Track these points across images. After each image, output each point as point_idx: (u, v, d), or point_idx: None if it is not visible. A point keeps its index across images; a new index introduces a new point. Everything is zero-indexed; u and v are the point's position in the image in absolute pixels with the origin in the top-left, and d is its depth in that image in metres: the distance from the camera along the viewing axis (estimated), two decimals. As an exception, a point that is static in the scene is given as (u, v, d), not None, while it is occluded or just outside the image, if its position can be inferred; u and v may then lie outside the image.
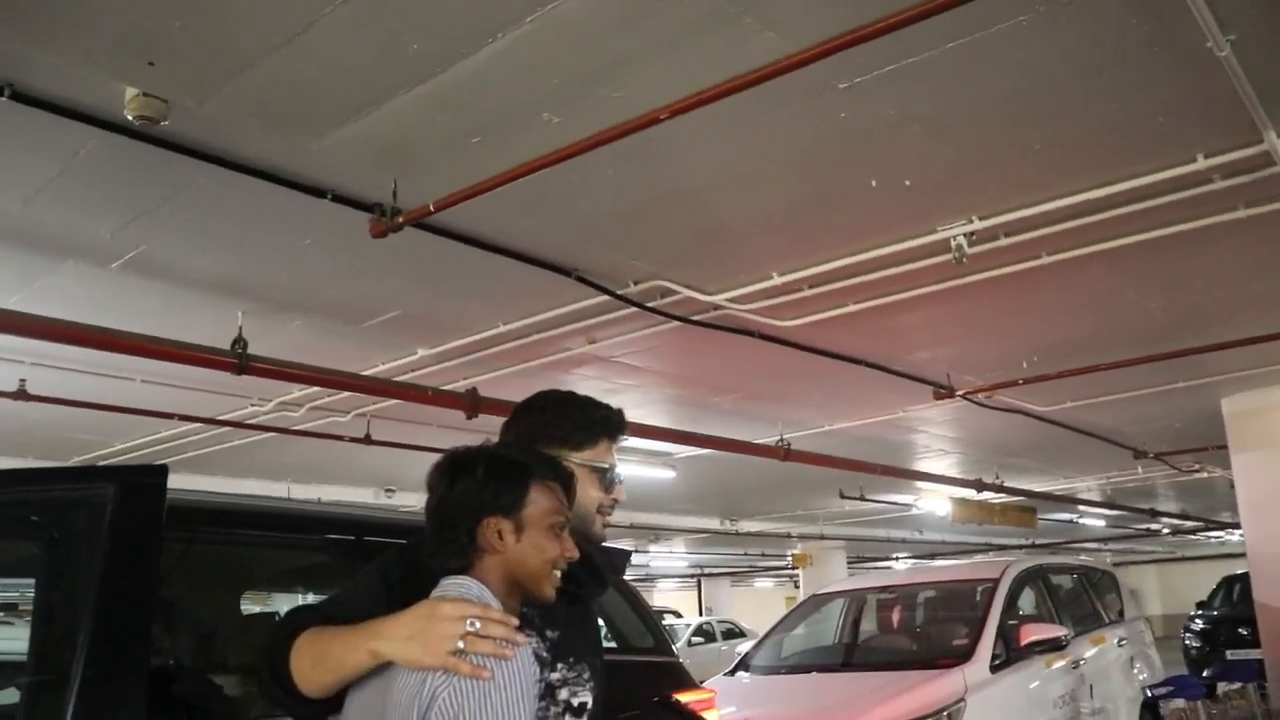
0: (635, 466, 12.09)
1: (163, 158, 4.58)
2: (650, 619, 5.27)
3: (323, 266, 6.00)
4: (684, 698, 4.85)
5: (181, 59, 3.85)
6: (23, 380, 7.50)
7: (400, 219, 4.76)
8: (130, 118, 4.13)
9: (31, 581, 3.48)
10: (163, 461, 10.64)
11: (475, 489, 2.05)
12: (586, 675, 2.22)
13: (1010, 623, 6.88)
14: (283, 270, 6.06)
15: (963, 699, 5.97)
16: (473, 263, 5.86)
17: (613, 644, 5.20)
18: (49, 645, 2.69)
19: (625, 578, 5.29)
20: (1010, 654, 6.60)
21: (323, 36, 3.71)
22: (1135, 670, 8.44)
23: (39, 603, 2.95)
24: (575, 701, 2.17)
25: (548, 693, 2.18)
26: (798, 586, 26.48)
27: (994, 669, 6.42)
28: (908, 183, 5.08)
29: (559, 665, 2.20)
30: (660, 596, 37.84)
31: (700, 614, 30.10)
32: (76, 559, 2.64)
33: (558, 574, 2.09)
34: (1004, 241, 5.60)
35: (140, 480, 2.60)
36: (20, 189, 4.94)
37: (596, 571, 2.46)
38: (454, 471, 2.09)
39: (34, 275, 5.96)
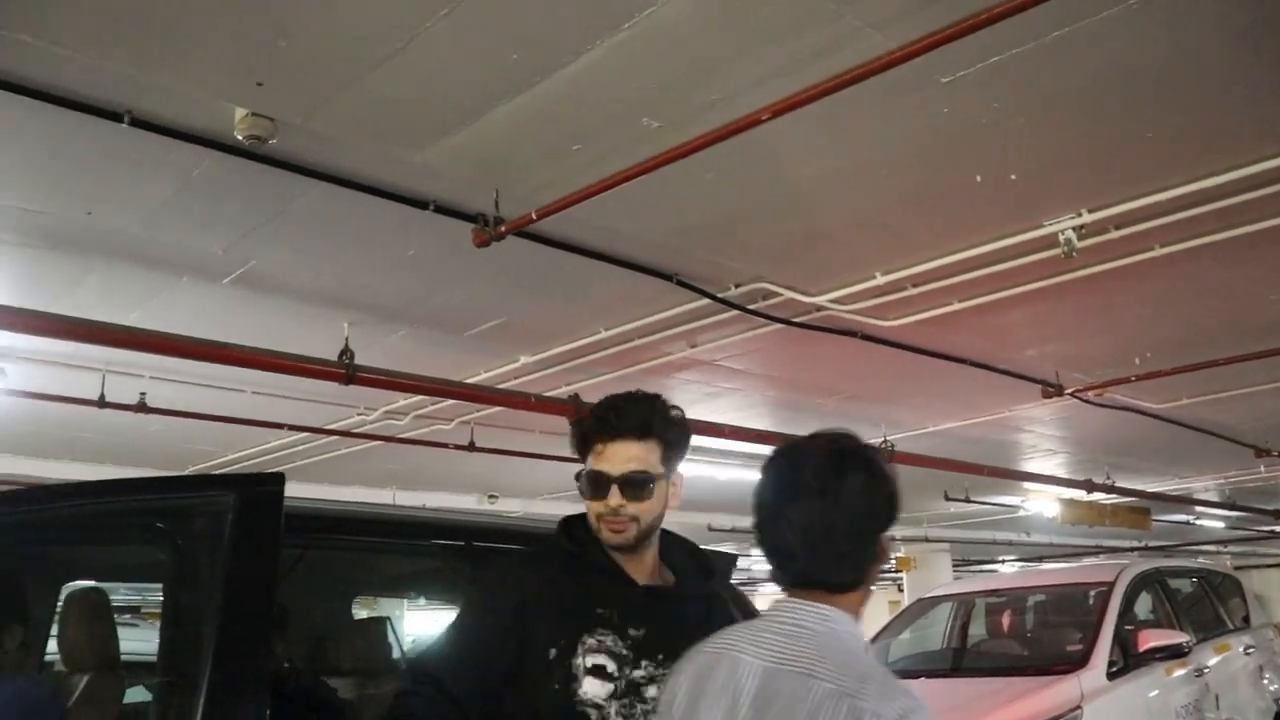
0: (737, 470, 12.02)
1: (271, 175, 4.70)
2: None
3: (426, 276, 6.10)
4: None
5: (288, 78, 3.94)
6: (143, 394, 7.74)
7: (503, 228, 4.81)
8: (240, 137, 4.25)
9: (157, 585, 3.60)
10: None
11: (874, 493, 1.89)
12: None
13: (1127, 628, 6.69)
14: (387, 281, 6.16)
15: (1079, 706, 5.82)
16: (573, 269, 5.89)
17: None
18: (176, 648, 2.77)
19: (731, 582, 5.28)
20: (1128, 661, 6.41)
21: (424, 51, 3.76)
22: (1265, 680, 8.11)
23: (166, 607, 3.03)
24: None
25: (631, 690, 2.17)
26: (901, 590, 26.08)
27: (1111, 676, 6.24)
28: (1013, 177, 4.97)
29: (643, 663, 2.19)
30: (763, 601, 37.42)
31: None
32: (199, 564, 2.70)
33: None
34: (1115, 234, 5.45)
35: (259, 488, 2.64)
36: (139, 210, 5.11)
37: (702, 570, 2.44)
38: (843, 469, 1.89)
39: (152, 292, 6.16)
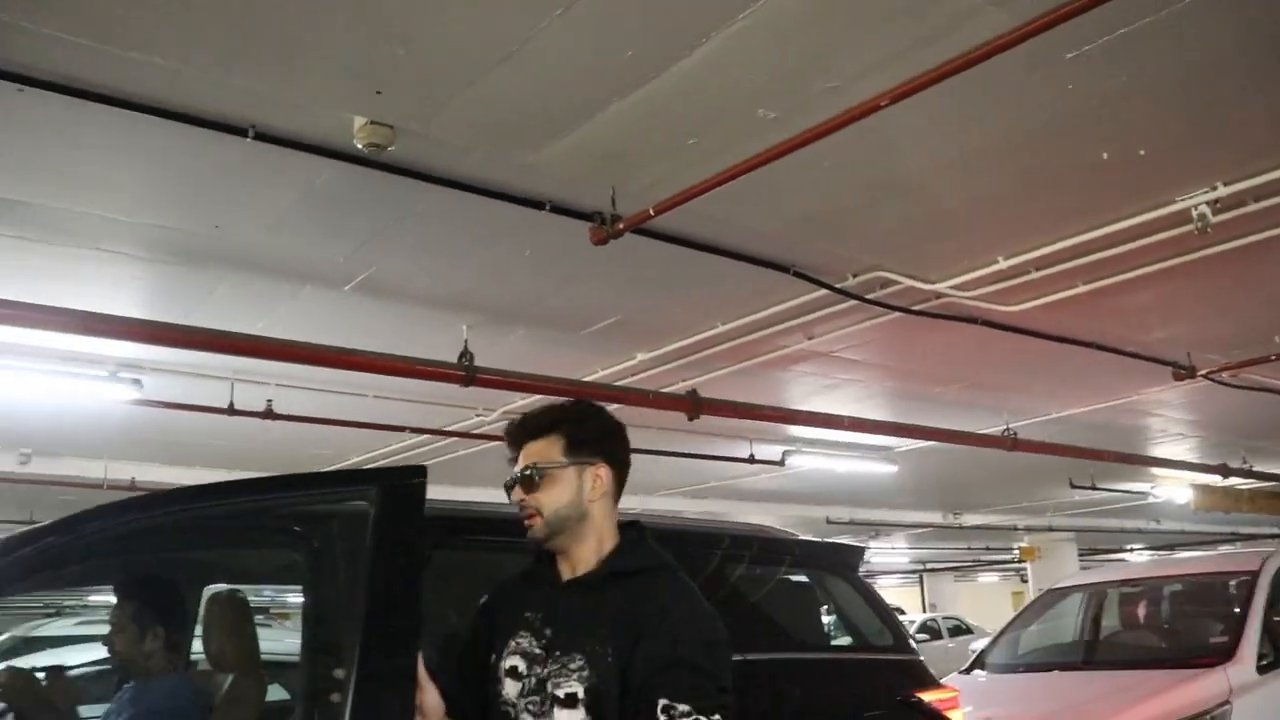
0: (855, 462, 11.91)
1: (389, 182, 4.77)
2: (889, 615, 5.15)
3: (542, 277, 6.13)
4: (927, 696, 4.72)
5: (406, 85, 3.99)
6: (269, 400, 7.94)
7: (620, 225, 4.80)
8: (360, 146, 4.31)
9: (295, 585, 3.66)
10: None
11: None
12: (576, 664, 2.21)
13: (1276, 619, 6.39)
14: (504, 283, 6.22)
15: (1228, 702, 5.59)
16: (690, 264, 5.87)
17: (851, 641, 5.11)
18: (319, 649, 2.79)
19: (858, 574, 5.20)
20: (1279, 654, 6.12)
21: (537, 52, 3.77)
22: None
23: (307, 607, 3.06)
24: (561, 693, 2.18)
25: (539, 688, 2.23)
26: (1025, 581, 25.52)
27: (1261, 670, 5.96)
28: (1142, 153, 4.80)
29: (550, 659, 2.24)
30: (882, 594, 37.14)
31: (924, 610, 29.40)
32: (340, 561, 2.73)
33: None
34: (1252, 207, 5.22)
35: (401, 481, 2.58)
36: (263, 221, 5.23)
37: (635, 557, 2.41)
38: None
39: (276, 301, 6.31)
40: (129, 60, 3.83)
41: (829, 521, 17.07)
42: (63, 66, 3.90)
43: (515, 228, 5.36)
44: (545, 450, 2.41)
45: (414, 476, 2.59)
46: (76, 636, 7.80)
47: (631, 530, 2.46)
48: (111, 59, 3.82)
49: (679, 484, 14.12)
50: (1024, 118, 4.47)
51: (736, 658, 3.65)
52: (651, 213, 4.67)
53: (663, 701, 2.10)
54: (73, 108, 4.12)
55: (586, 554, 2.36)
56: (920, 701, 4.65)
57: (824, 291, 6.35)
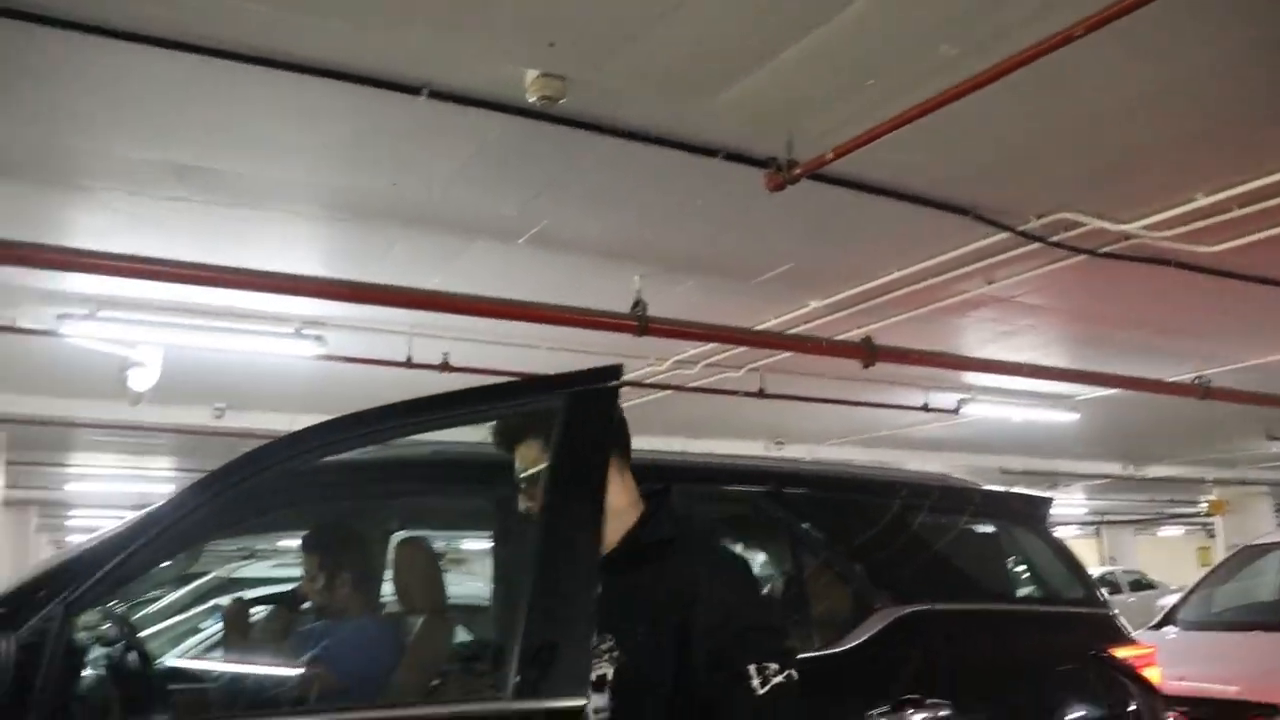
0: (1033, 410, 11.51)
1: (561, 134, 4.75)
2: (1079, 568, 4.94)
3: (715, 225, 6.05)
4: (1120, 653, 4.51)
5: (578, 36, 3.95)
6: (445, 353, 8.10)
7: (797, 170, 4.68)
8: (532, 99, 4.30)
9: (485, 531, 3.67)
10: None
11: None
12: (605, 645, 2.21)
13: None
14: (676, 232, 6.17)
15: None
16: (866, 209, 5.70)
17: (1038, 594, 4.93)
18: (509, 569, 2.74)
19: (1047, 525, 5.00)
20: None
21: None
22: None
23: (496, 551, 3.05)
24: (592, 676, 2.17)
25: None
26: (1212, 536, 24.43)
27: None
28: (1364, 78, 4.43)
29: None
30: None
31: (1102, 564, 28.45)
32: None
33: None
34: None
35: (590, 385, 2.42)
36: (437, 177, 5.29)
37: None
38: None
39: (450, 256, 6.41)
40: (306, 25, 3.91)
41: (1003, 471, 16.59)
42: (245, 35, 4.00)
43: (687, 176, 5.28)
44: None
45: (605, 378, 2.45)
46: (271, 578, 8.16)
47: (654, 500, 2.41)
48: (290, 24, 3.91)
49: (849, 432, 13.93)
50: (1230, 42, 4.16)
51: (923, 607, 3.58)
52: (830, 157, 4.53)
53: (752, 666, 2.10)
54: (255, 75, 4.22)
55: (607, 535, 2.32)
56: (1113, 658, 4.46)
57: (1005, 235, 6.09)
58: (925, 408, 10.93)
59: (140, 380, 7.88)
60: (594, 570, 2.24)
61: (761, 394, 9.55)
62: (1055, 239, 6.14)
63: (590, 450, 2.36)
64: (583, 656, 2.16)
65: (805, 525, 3.76)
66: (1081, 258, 6.39)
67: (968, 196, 5.71)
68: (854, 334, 7.68)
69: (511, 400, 2.63)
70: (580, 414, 2.38)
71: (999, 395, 11.08)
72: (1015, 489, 5.74)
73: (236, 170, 5.20)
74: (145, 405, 8.82)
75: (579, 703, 2.11)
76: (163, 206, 5.61)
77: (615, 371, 2.45)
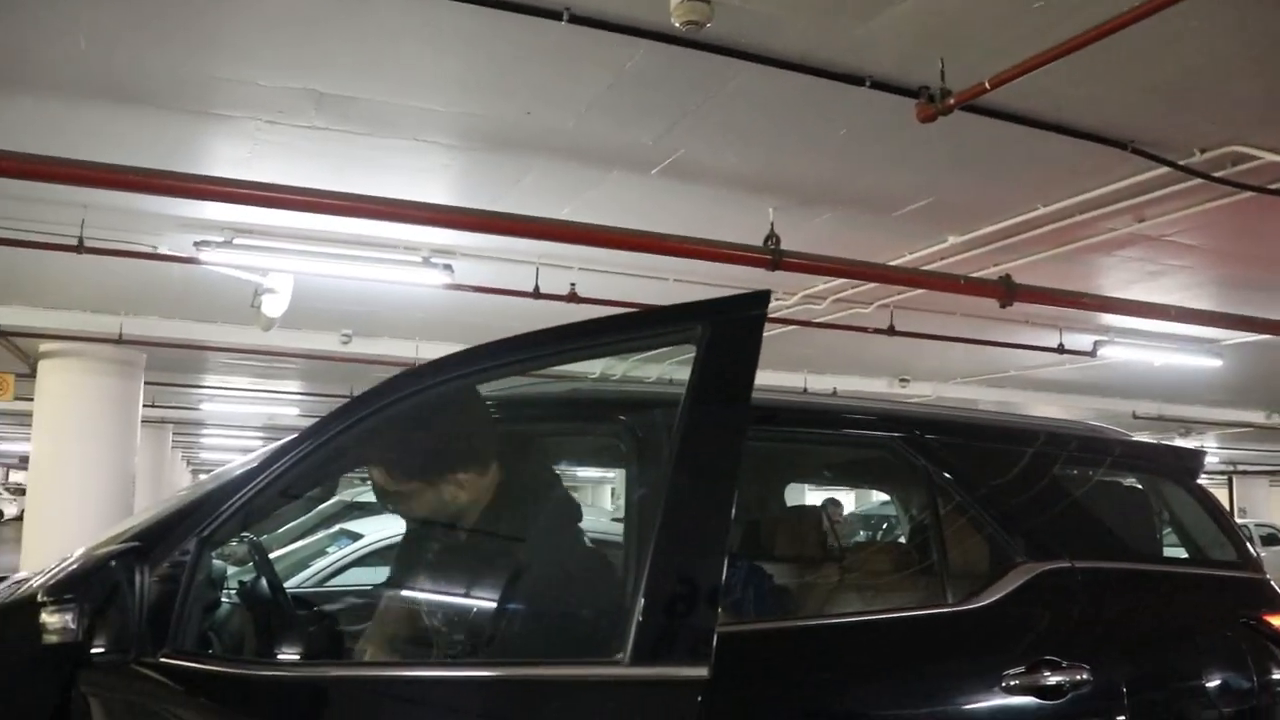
0: (1173, 355, 11.05)
1: (704, 61, 4.59)
2: (1232, 528, 4.68)
3: (855, 157, 5.84)
4: (1277, 621, 4.28)
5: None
6: (572, 284, 8.05)
7: (951, 100, 4.45)
8: (676, 24, 4.12)
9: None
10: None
11: None
12: None
13: None
14: (814, 163, 5.97)
15: None
16: (1016, 142, 5.43)
17: (1188, 554, 4.71)
18: (638, 515, 2.65)
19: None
20: None
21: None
22: None
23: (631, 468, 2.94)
24: None
25: None
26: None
27: None
28: None
29: None
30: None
31: (1233, 516, 27.46)
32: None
33: None
34: None
35: (734, 314, 2.27)
36: (574, 106, 5.18)
37: None
38: None
39: (584, 187, 6.32)
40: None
41: (1135, 416, 16.07)
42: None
43: (831, 105, 5.08)
44: None
45: (751, 306, 2.29)
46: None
47: None
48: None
49: (976, 372, 13.59)
50: None
51: (1064, 564, 3.40)
52: (988, 86, 4.28)
53: None
54: (397, 1, 4.18)
55: None
56: (1268, 625, 4.22)
57: (1163, 170, 5.75)
58: (1060, 349, 10.57)
59: (272, 306, 8.00)
60: (727, 521, 2.13)
61: (891, 331, 9.33)
62: (1220, 174, 5.77)
63: (733, 384, 2.22)
64: (708, 618, 2.03)
65: (945, 474, 3.60)
66: (1246, 195, 6.01)
67: (1127, 129, 5.39)
68: (989, 272, 7.42)
69: (655, 328, 2.47)
70: (724, 343, 2.23)
71: (1138, 338, 10.65)
72: (1163, 440, 5.49)
73: (373, 98, 5.15)
74: (275, 331, 8.98)
75: (699, 672, 1.98)
76: (300, 135, 5.62)
77: (763, 299, 2.30)
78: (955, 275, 6.99)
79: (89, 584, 2.12)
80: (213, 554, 2.53)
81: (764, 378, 2.46)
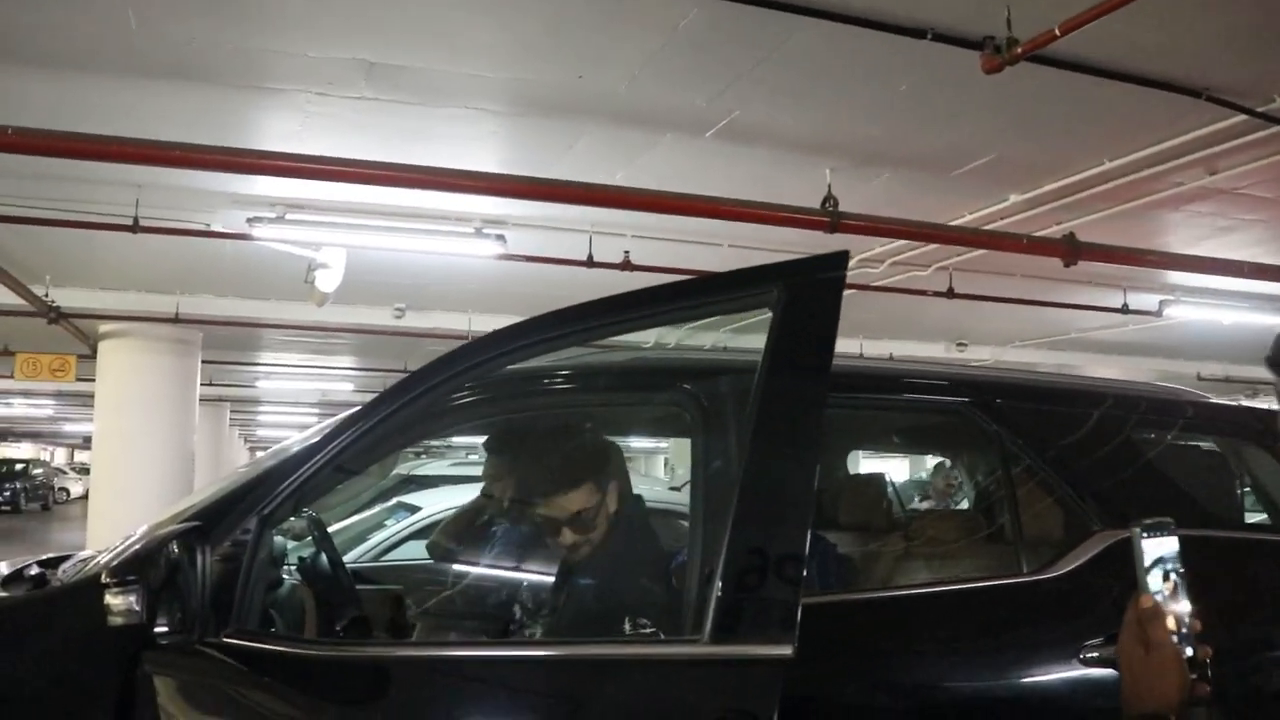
0: (1244, 314, 10.75)
1: (759, 18, 4.45)
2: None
3: (915, 114, 5.67)
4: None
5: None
6: (626, 252, 7.96)
7: (1018, 50, 4.28)
8: (731, -22, 4.02)
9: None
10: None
11: None
12: None
13: None
14: (872, 122, 5.81)
15: None
16: (1084, 93, 5.24)
17: (1273, 520, 4.54)
18: (716, 479, 2.55)
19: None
20: None
21: None
22: None
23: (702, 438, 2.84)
24: None
25: None
26: None
27: None
28: None
29: None
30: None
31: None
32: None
33: None
34: None
35: (812, 275, 2.13)
36: (626, 68, 5.07)
37: None
38: None
39: (634, 151, 6.22)
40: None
41: (1200, 378, 15.72)
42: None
43: (890, 60, 4.92)
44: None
45: (830, 267, 2.14)
46: (450, 476, 8.35)
47: None
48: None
49: (1036, 334, 13.36)
50: None
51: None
52: (1058, 33, 4.11)
53: None
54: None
55: None
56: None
57: (1238, 119, 5.53)
58: (1124, 309, 10.30)
59: (325, 282, 8.01)
60: (810, 492, 2.02)
61: (950, 294, 9.14)
62: (1300, 121, 5.56)
63: (814, 349, 2.10)
64: (791, 591, 1.91)
65: (1018, 439, 3.47)
66: (1325, 144, 5.80)
67: (1201, 76, 5.17)
68: (1052, 230, 7.23)
69: (730, 292, 2.33)
70: (803, 307, 2.11)
71: (1207, 296, 10.37)
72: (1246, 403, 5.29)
73: (423, 66, 5.08)
74: (329, 306, 8.99)
75: (784, 650, 1.86)
76: (349, 107, 5.57)
77: (842, 259, 2.16)
78: (1019, 234, 6.82)
79: (152, 564, 2.09)
80: (273, 532, 2.49)
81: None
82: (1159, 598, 1.66)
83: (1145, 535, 1.69)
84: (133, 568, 2.12)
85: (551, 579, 2.96)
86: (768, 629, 1.87)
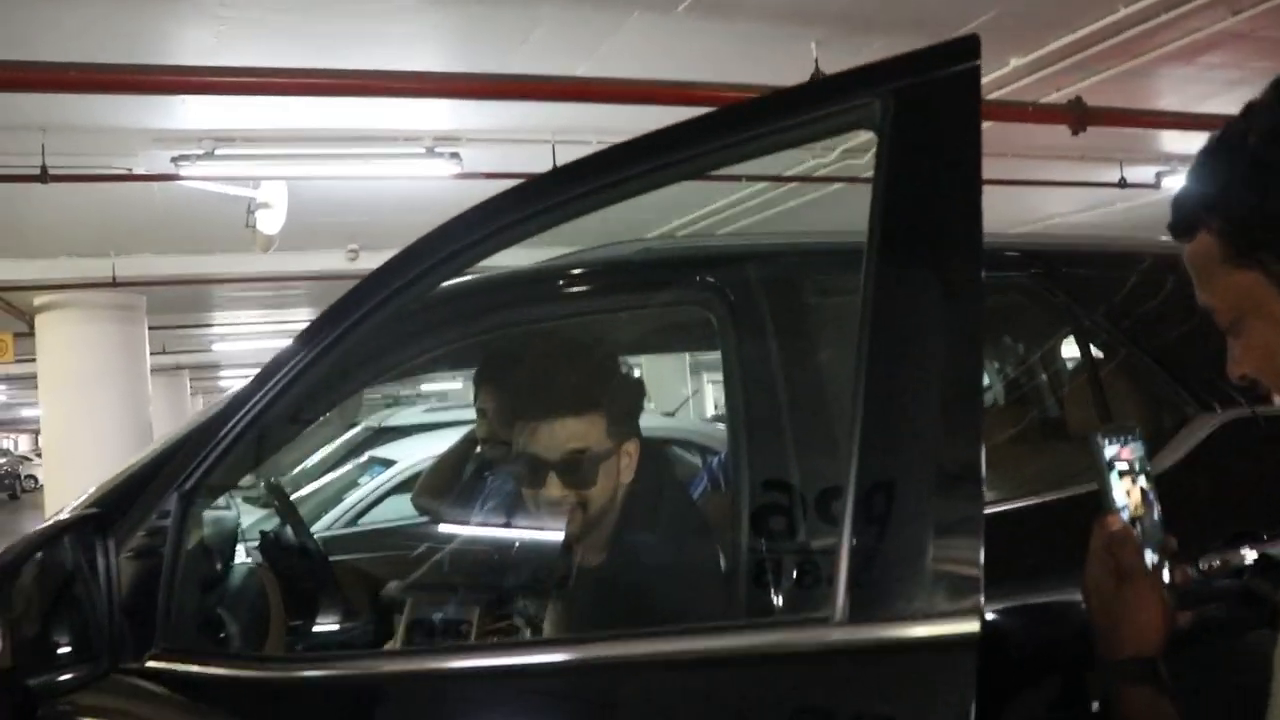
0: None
1: None
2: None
3: (909, -33, 5.06)
4: None
5: None
6: (591, 159, 7.34)
7: None
8: None
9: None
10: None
11: None
12: None
13: None
14: (863, -19, 5.21)
15: None
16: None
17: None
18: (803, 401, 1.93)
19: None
20: None
21: None
22: None
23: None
24: None
25: None
26: None
27: None
28: None
29: None
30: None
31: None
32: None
33: None
34: None
35: (929, 74, 1.37)
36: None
37: None
38: None
39: (599, 38, 5.62)
40: None
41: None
42: None
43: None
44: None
45: (955, 59, 1.35)
46: (426, 424, 7.70)
47: None
48: None
49: (1019, 220, 12.84)
50: None
51: (1242, 412, 2.71)
52: None
53: None
54: None
55: None
56: None
57: (1269, -57, 4.96)
58: (1122, 183, 9.72)
59: (268, 222, 7.40)
60: (977, 411, 1.31)
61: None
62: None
63: (951, 182, 1.35)
64: (971, 541, 1.19)
65: (1095, 315, 2.88)
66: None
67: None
68: (1059, 96, 6.64)
69: (810, 111, 1.52)
70: (925, 121, 1.36)
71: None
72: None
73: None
74: (276, 253, 8.46)
75: (970, 627, 1.17)
76: (269, 10, 4.95)
77: (971, 45, 1.36)
78: (1024, 102, 6.26)
79: (6, 581, 1.45)
80: (204, 510, 1.87)
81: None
82: (1126, 515, 1.35)
83: (1107, 441, 1.37)
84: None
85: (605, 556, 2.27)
86: (936, 597, 1.22)
